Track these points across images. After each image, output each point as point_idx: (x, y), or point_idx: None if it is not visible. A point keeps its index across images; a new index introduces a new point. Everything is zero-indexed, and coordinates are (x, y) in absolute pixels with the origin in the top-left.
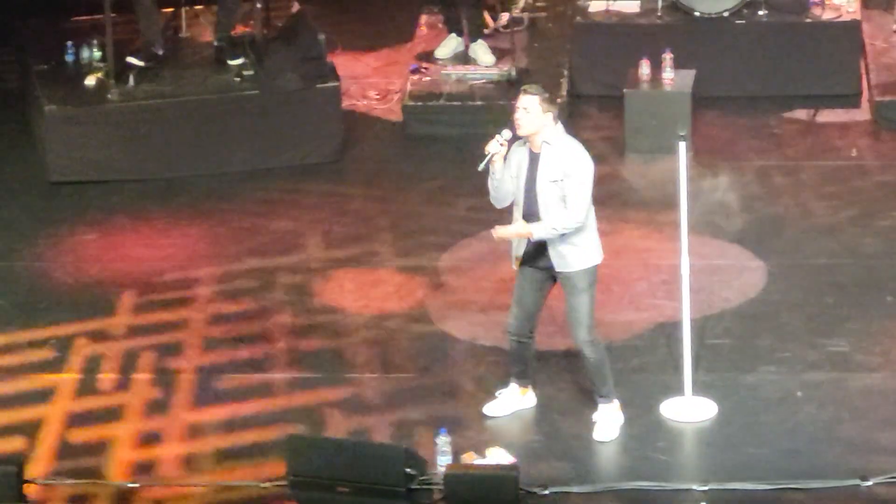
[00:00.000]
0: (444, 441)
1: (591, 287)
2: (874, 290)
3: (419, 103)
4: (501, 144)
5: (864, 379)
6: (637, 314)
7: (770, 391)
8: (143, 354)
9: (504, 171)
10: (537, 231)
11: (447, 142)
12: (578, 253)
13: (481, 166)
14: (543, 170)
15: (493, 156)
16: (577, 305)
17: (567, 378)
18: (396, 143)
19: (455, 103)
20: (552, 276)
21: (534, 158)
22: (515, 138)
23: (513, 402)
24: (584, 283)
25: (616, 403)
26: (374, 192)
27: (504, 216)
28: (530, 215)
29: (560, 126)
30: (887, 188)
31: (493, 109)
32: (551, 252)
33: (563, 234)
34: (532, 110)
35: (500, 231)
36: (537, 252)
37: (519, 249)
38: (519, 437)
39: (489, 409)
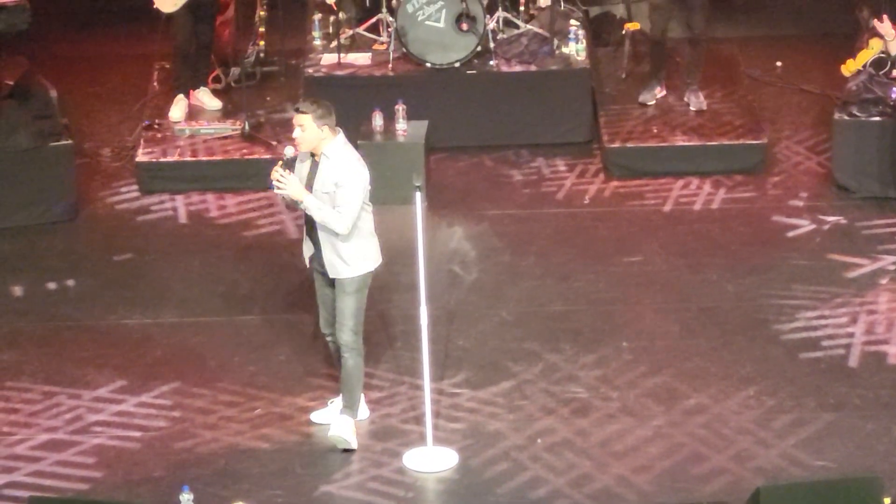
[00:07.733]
0: (186, 499)
1: (357, 292)
2: (609, 336)
3: (153, 160)
4: (282, 166)
5: (602, 425)
6: (375, 367)
7: (510, 440)
8: None
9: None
10: (309, 202)
11: (183, 198)
12: (344, 264)
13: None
14: (318, 180)
15: (275, 181)
16: (343, 308)
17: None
18: (132, 200)
19: (188, 159)
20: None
21: (314, 167)
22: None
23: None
24: (352, 287)
25: (353, 423)
26: (108, 251)
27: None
28: (308, 221)
29: (340, 136)
30: (618, 234)
31: (227, 164)
32: (324, 258)
33: (332, 244)
34: (307, 127)
35: (280, 175)
36: (319, 256)
37: (307, 251)
38: (259, 491)
39: (316, 415)
